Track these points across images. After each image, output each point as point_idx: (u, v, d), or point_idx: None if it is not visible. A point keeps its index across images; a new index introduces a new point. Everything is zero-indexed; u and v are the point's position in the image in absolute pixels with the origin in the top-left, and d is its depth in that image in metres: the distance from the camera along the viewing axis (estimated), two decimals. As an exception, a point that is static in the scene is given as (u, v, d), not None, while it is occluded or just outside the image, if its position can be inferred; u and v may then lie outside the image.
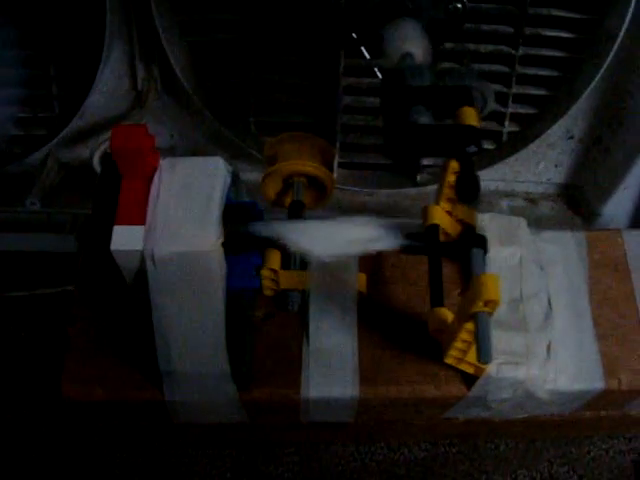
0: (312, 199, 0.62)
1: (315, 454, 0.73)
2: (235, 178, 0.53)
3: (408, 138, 0.51)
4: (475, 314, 0.48)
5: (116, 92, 0.76)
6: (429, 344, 0.58)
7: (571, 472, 0.73)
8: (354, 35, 0.66)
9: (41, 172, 0.78)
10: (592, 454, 0.74)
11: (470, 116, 0.51)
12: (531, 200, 0.85)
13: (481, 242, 0.52)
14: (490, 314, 0.48)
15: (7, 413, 0.75)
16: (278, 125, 0.75)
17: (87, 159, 0.77)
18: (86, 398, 0.58)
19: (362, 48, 0.67)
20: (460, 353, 0.54)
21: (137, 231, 0.48)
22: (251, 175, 0.66)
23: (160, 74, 0.75)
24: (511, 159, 0.80)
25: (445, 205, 0.58)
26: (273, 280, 0.59)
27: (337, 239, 0.49)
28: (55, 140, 0.76)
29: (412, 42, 0.56)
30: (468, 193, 0.49)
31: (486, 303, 0.47)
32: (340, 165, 0.80)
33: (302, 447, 0.73)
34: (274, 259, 0.57)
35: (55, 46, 0.71)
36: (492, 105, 0.53)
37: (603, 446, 0.74)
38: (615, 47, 0.69)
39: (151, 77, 0.75)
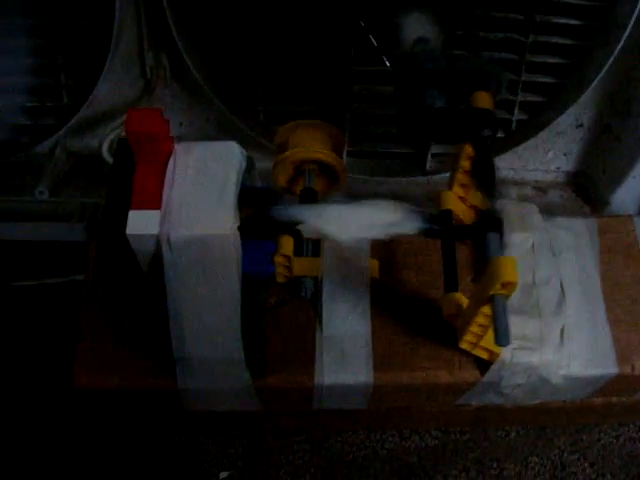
0: (323, 186, 0.62)
1: (326, 442, 0.73)
2: (249, 163, 0.53)
3: (423, 122, 0.51)
4: (492, 297, 0.47)
5: (125, 81, 0.76)
6: (442, 330, 0.58)
7: (582, 459, 0.73)
8: (362, 23, 0.66)
9: (50, 161, 0.78)
10: (602, 441, 0.74)
11: (485, 100, 0.51)
12: (540, 188, 0.85)
13: (497, 225, 0.52)
14: (507, 297, 0.47)
15: (18, 404, 0.75)
16: (287, 114, 0.75)
17: (96, 148, 0.77)
18: (99, 386, 0.57)
19: (370, 36, 0.67)
20: (475, 338, 0.54)
21: (153, 215, 0.47)
22: (260, 164, 0.66)
23: (169, 62, 0.75)
24: (520, 147, 0.80)
25: (458, 191, 0.58)
26: (286, 267, 0.59)
27: (359, 223, 0.49)
28: (63, 129, 0.76)
29: (425, 27, 0.56)
30: (485, 177, 0.49)
31: (503, 285, 0.47)
32: (350, 154, 0.80)
33: (313, 435, 0.73)
34: (287, 246, 0.57)
35: (64, 35, 0.71)
36: (506, 89, 0.53)
37: (613, 433, 0.74)
38: (625, 35, 0.68)
39: (160, 65, 0.75)
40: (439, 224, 0.51)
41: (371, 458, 0.72)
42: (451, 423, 0.72)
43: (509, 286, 0.47)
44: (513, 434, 0.74)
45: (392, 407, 0.64)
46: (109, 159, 0.75)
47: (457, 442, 0.73)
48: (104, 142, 0.75)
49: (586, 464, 0.73)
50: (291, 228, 0.52)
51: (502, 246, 0.51)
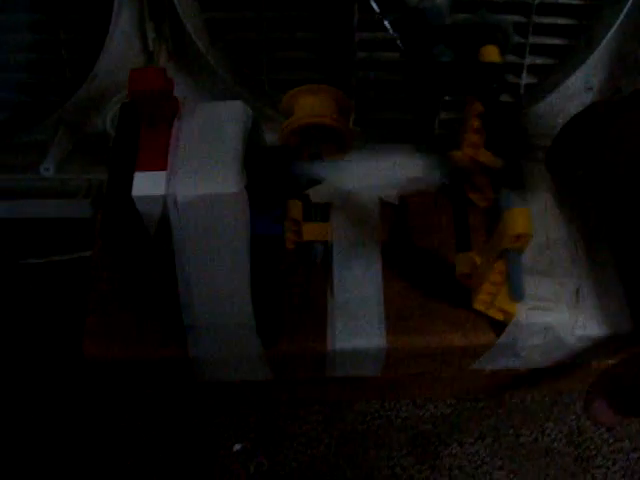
0: (331, 151, 0.61)
1: (339, 413, 0.72)
2: (256, 123, 0.52)
3: (431, 77, 0.50)
4: (505, 250, 0.47)
5: (127, 54, 0.75)
6: (456, 292, 0.57)
7: (598, 425, 0.72)
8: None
9: (53, 138, 0.77)
10: (620, 406, 0.73)
11: (492, 54, 0.50)
12: (550, 153, 0.84)
13: (513, 180, 0.52)
14: (521, 250, 0.47)
15: (28, 383, 0.75)
16: (292, 82, 0.74)
17: (100, 123, 0.77)
18: (109, 357, 0.57)
19: (371, 1, 0.66)
20: (489, 297, 0.54)
21: (159, 176, 0.47)
22: (268, 136, 0.65)
23: (171, 34, 0.74)
24: (529, 112, 0.79)
25: (468, 150, 0.57)
26: (295, 232, 0.58)
27: (381, 177, 0.49)
28: (67, 105, 0.75)
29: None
30: (496, 132, 0.48)
31: (517, 238, 0.46)
32: (356, 122, 0.79)
33: (326, 406, 0.72)
34: (296, 210, 0.56)
35: (65, 9, 0.70)
36: (513, 41, 0.52)
37: (631, 398, 0.73)
38: (635, -9, 0.67)
39: (162, 37, 0.74)
40: (450, 179, 0.51)
41: (386, 427, 0.72)
42: (466, 391, 0.72)
43: (522, 238, 0.46)
44: (529, 400, 0.73)
45: (407, 373, 0.63)
46: (113, 133, 0.74)
47: (472, 410, 0.73)
48: (107, 117, 0.74)
49: (602, 429, 0.72)
50: (300, 192, 0.51)
51: (513, 200, 0.50)
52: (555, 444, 0.71)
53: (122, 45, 0.74)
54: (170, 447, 0.71)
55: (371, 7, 0.66)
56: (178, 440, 0.71)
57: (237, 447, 0.71)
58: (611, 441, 0.71)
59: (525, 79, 0.76)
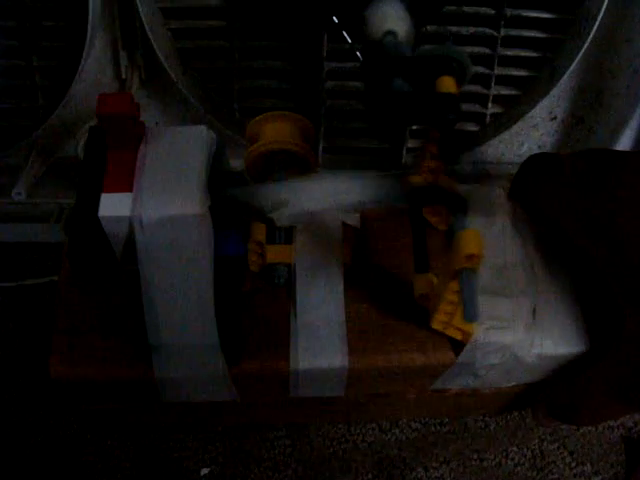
0: (295, 176, 0.62)
1: (306, 436, 0.73)
2: (220, 148, 0.54)
3: (389, 107, 0.51)
4: (459, 271, 0.48)
5: (100, 81, 0.77)
6: (416, 313, 0.58)
7: (561, 449, 0.73)
8: (335, 19, 0.67)
9: (26, 163, 0.78)
10: (582, 430, 0.74)
11: (449, 85, 0.52)
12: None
13: (462, 204, 0.53)
14: (474, 271, 0.48)
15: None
16: (262, 110, 0.75)
17: (72, 148, 0.78)
18: (75, 376, 0.57)
19: (344, 32, 0.67)
20: (446, 317, 0.55)
21: (125, 198, 0.48)
22: (237, 162, 0.66)
23: (144, 62, 0.75)
24: (495, 141, 0.81)
25: (427, 177, 0.59)
26: (259, 254, 0.59)
27: (322, 195, 0.50)
28: (39, 130, 0.76)
29: (394, 21, 0.57)
30: (451, 159, 0.49)
31: (468, 258, 0.47)
32: (325, 150, 0.80)
33: (293, 429, 0.73)
34: (259, 232, 0.58)
35: (38, 36, 0.71)
36: (471, 72, 0.53)
37: (593, 422, 0.74)
38: (595, 26, 0.69)
39: (134, 65, 0.75)
40: (409, 201, 0.52)
41: (352, 451, 0.72)
42: (431, 413, 0.72)
43: (475, 259, 0.47)
44: (493, 425, 0.74)
45: (371, 396, 0.64)
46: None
47: (437, 434, 0.73)
48: (79, 142, 0.75)
49: (565, 453, 0.73)
50: (263, 215, 0.52)
51: (466, 223, 0.51)
52: (518, 468, 0.72)
53: (95, 72, 0.76)
54: (138, 471, 0.71)
55: (340, 38, 0.67)
56: (146, 463, 0.71)
57: (205, 471, 0.71)
58: (573, 465, 0.72)
59: (491, 109, 0.78)
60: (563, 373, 0.60)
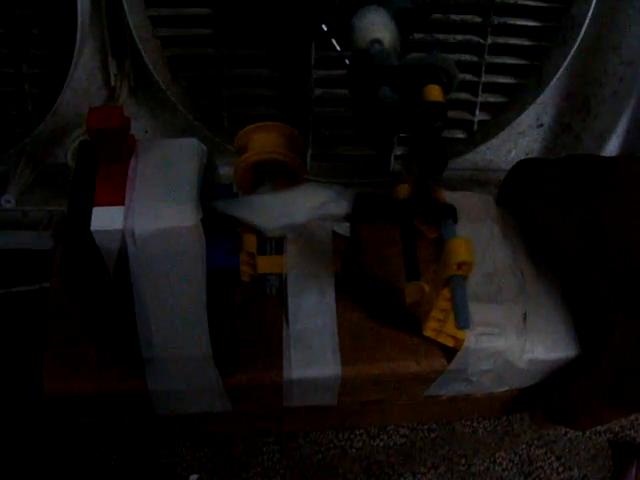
0: (284, 186, 0.62)
1: (295, 443, 0.73)
2: (210, 159, 0.54)
3: (376, 116, 0.52)
4: (449, 278, 0.48)
5: (89, 89, 0.77)
6: (408, 320, 0.58)
7: (549, 454, 0.73)
8: (324, 27, 0.67)
9: (15, 170, 0.78)
10: (569, 435, 0.74)
11: (435, 93, 0.52)
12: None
13: (451, 212, 0.53)
14: (464, 278, 0.48)
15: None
16: (251, 118, 0.75)
17: (61, 156, 0.77)
18: (68, 391, 0.57)
19: (332, 40, 0.68)
20: (438, 324, 0.55)
21: (117, 211, 0.48)
22: (226, 170, 0.66)
23: (133, 70, 0.75)
24: (482, 148, 0.81)
25: (416, 185, 0.59)
26: (250, 265, 0.59)
27: (284, 209, 0.50)
28: (29, 138, 0.76)
29: (380, 29, 0.57)
30: (435, 163, 0.50)
31: (459, 266, 0.48)
32: (314, 157, 0.81)
33: (282, 436, 0.73)
34: (251, 243, 0.58)
35: (27, 44, 0.71)
36: (458, 80, 0.53)
37: (580, 427, 0.75)
38: (581, 34, 0.70)
39: (123, 73, 0.75)
40: (399, 212, 0.52)
41: (340, 457, 0.72)
42: (423, 418, 0.73)
43: (465, 266, 0.48)
44: (481, 430, 0.74)
45: (363, 403, 0.64)
46: (74, 166, 0.75)
47: (425, 440, 0.74)
48: (69, 149, 0.75)
49: (553, 458, 0.73)
50: (253, 226, 0.52)
51: (455, 230, 0.52)
52: (506, 473, 0.72)
53: (84, 80, 0.76)
54: (126, 476, 0.71)
55: (328, 46, 0.68)
56: (134, 470, 0.71)
57: (193, 477, 0.71)
58: (561, 470, 0.72)
59: (478, 116, 0.79)
60: (556, 378, 0.61)
